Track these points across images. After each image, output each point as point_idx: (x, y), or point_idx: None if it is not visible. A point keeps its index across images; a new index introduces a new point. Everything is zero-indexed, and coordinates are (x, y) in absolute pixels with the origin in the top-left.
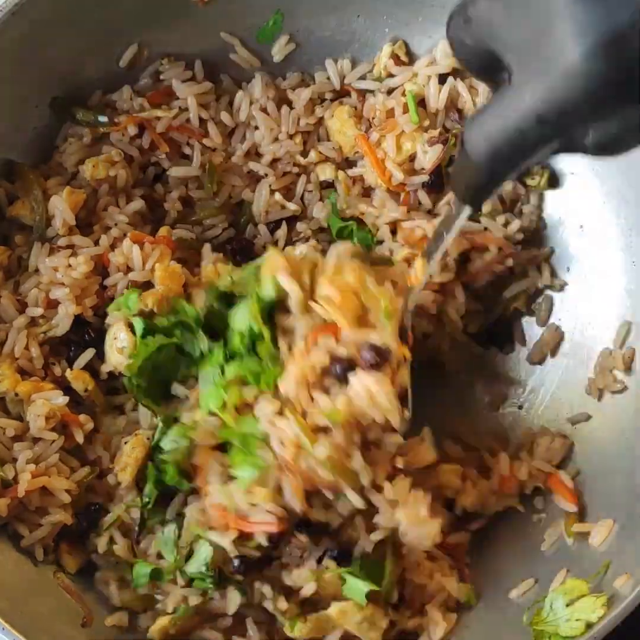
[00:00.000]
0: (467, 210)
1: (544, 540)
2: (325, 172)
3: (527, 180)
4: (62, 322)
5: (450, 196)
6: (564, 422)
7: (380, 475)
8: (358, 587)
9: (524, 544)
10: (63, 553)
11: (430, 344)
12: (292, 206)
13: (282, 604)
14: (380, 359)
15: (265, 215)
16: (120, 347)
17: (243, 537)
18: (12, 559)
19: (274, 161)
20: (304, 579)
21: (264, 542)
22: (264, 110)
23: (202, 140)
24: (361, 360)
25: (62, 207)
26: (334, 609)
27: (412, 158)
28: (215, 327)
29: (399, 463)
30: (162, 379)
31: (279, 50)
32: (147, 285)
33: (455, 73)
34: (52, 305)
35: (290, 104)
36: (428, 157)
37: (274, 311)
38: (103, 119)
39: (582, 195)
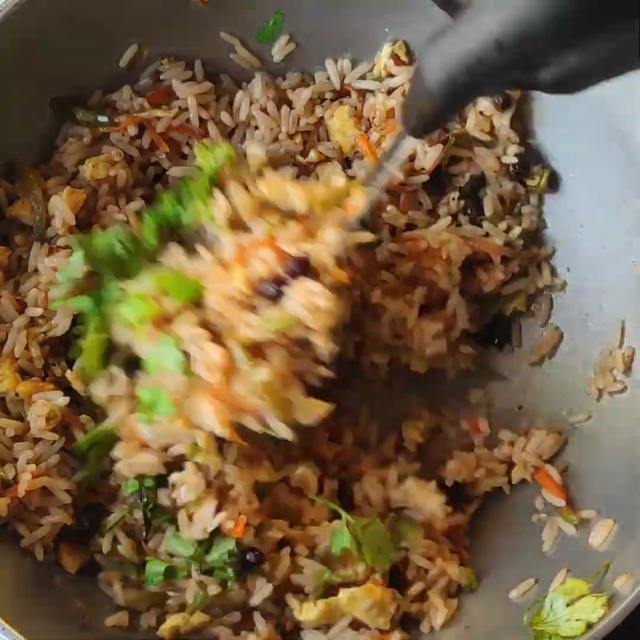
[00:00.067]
0: (410, 141)
1: (543, 541)
2: (325, 173)
3: (527, 181)
4: (62, 322)
5: (448, 197)
6: (564, 422)
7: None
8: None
9: (524, 544)
10: (63, 553)
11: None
12: None
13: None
14: (306, 270)
15: None
16: None
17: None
18: (12, 559)
19: None
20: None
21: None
22: (264, 110)
23: (202, 140)
24: (288, 269)
25: (62, 207)
26: (343, 595)
27: (412, 158)
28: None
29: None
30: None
31: (279, 50)
32: None
33: None
34: None
35: (290, 104)
36: (428, 157)
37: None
38: (103, 119)
39: (582, 195)
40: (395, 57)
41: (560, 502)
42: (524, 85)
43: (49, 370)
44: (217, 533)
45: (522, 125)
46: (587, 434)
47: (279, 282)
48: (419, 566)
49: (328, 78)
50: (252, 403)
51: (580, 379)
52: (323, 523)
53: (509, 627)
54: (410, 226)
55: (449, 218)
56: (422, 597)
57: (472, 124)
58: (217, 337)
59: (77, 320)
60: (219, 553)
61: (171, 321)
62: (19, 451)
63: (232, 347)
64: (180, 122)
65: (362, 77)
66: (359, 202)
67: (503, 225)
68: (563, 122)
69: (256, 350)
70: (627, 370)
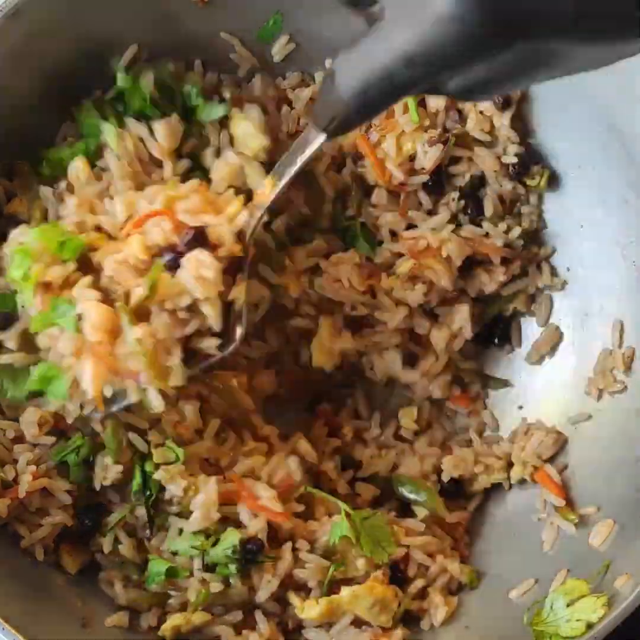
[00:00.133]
0: (322, 137)
1: (544, 541)
2: None
3: (527, 181)
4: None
5: (448, 197)
6: (564, 422)
7: None
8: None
9: (524, 543)
10: (63, 554)
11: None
12: None
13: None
14: (203, 240)
15: None
16: None
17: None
18: (13, 559)
19: None
20: None
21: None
22: (264, 110)
23: None
24: (184, 239)
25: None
26: (345, 593)
27: (412, 158)
28: None
29: None
30: None
31: (279, 50)
32: None
33: None
34: None
35: (290, 104)
36: (428, 157)
37: None
38: None
39: (581, 195)
40: None
41: (560, 502)
42: (432, 93)
43: None
44: (225, 523)
45: (522, 125)
46: (587, 434)
47: (175, 251)
48: (419, 563)
49: None
50: (131, 366)
51: (581, 378)
52: (323, 518)
53: (509, 627)
54: (410, 226)
55: (449, 217)
56: (422, 594)
57: (472, 124)
58: (111, 302)
59: None
60: (223, 548)
61: (68, 283)
62: (19, 453)
63: (118, 307)
64: None
65: None
66: (266, 191)
67: (503, 225)
68: (563, 122)
69: (143, 316)
70: (627, 370)
